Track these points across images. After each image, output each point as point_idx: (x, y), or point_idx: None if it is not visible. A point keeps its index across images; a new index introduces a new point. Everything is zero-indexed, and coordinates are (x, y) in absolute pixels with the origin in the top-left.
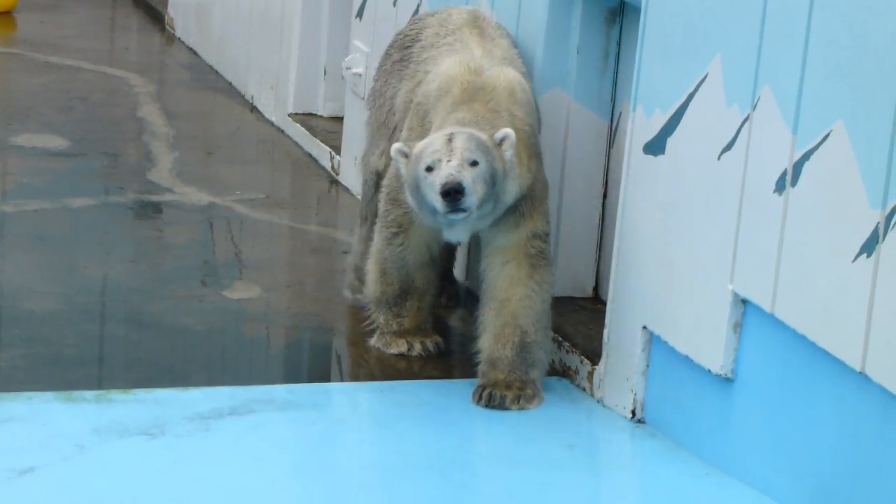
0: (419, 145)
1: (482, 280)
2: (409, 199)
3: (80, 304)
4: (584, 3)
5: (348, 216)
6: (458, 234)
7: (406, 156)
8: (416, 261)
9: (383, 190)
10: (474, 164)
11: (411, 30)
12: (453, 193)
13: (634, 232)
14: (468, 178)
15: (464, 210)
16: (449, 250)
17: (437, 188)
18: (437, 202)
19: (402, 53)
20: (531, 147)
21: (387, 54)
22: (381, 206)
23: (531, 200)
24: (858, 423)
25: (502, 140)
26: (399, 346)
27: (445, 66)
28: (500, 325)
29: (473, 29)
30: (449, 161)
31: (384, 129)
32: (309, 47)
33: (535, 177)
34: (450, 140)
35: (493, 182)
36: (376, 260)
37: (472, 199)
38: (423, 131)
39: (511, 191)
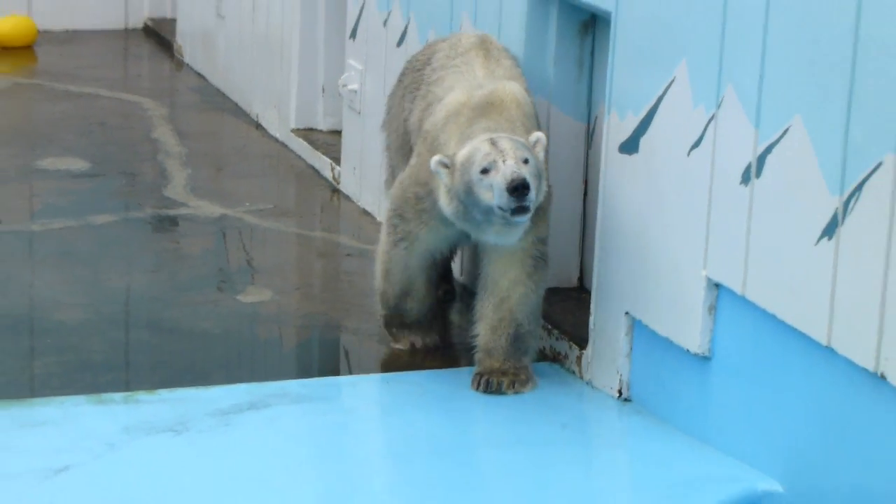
0: (462, 152)
1: (482, 274)
2: (454, 209)
3: (106, 313)
4: (558, 17)
5: (350, 222)
6: (500, 237)
7: (447, 166)
8: (418, 265)
9: (390, 206)
10: (526, 161)
11: (423, 55)
12: (521, 189)
13: (614, 225)
14: (528, 174)
15: (528, 208)
16: (451, 252)
17: (504, 185)
18: (502, 201)
19: (413, 76)
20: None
21: (399, 80)
22: (387, 219)
23: (539, 211)
24: (826, 392)
25: (535, 143)
26: (402, 342)
27: (450, 97)
28: (498, 318)
29: (479, 51)
30: (505, 161)
31: (402, 151)
32: (307, 68)
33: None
34: (494, 143)
35: (540, 180)
36: (381, 259)
37: (533, 194)
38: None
39: (543, 192)
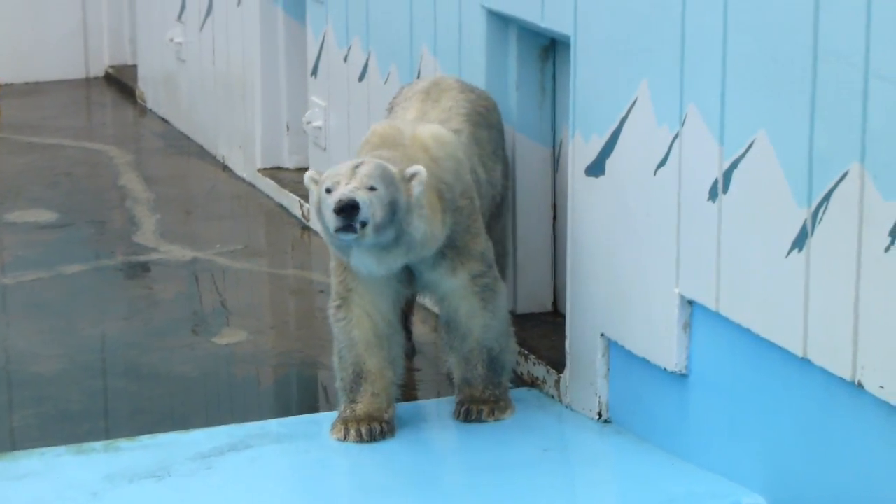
0: (327, 171)
1: (438, 306)
2: (321, 229)
3: (82, 362)
4: (518, 44)
5: (321, 258)
6: (363, 263)
7: (316, 182)
8: (362, 337)
9: (332, 267)
10: (372, 188)
11: (392, 100)
12: (348, 210)
13: (584, 248)
14: (364, 197)
15: (353, 230)
16: (403, 316)
17: (332, 206)
18: (332, 220)
19: None
20: (446, 202)
21: None
22: (332, 284)
23: (456, 250)
24: (804, 403)
25: (412, 175)
26: (336, 432)
27: (373, 126)
28: (468, 350)
29: (421, 94)
30: (348, 184)
31: None
32: (271, 107)
33: (455, 226)
34: (356, 167)
35: (394, 211)
36: (335, 344)
37: (366, 216)
38: None
39: (420, 228)
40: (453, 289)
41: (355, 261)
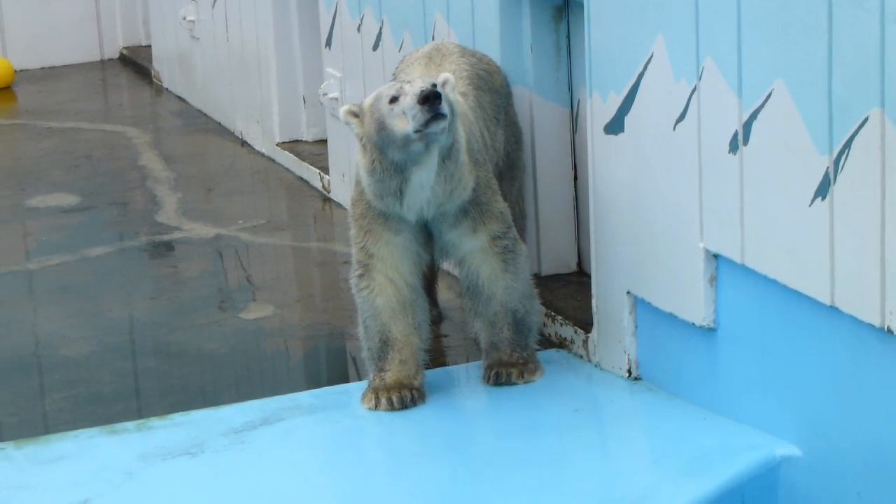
0: (370, 96)
1: (459, 271)
2: (370, 167)
3: (110, 343)
4: (531, 7)
5: (344, 229)
6: (418, 190)
7: (357, 115)
8: (386, 305)
9: (351, 235)
10: (434, 86)
11: (395, 69)
12: (432, 98)
13: (607, 207)
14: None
15: (444, 116)
16: (427, 283)
17: (416, 98)
18: (415, 117)
19: None
20: (471, 154)
21: None
22: (353, 254)
23: (479, 207)
24: (834, 351)
25: (444, 82)
26: (367, 401)
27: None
28: (492, 313)
29: (423, 59)
30: (412, 84)
31: None
32: (286, 80)
33: (478, 181)
34: (407, 82)
35: (454, 114)
36: (358, 315)
37: (444, 108)
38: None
39: (462, 137)
40: (473, 249)
41: (413, 188)
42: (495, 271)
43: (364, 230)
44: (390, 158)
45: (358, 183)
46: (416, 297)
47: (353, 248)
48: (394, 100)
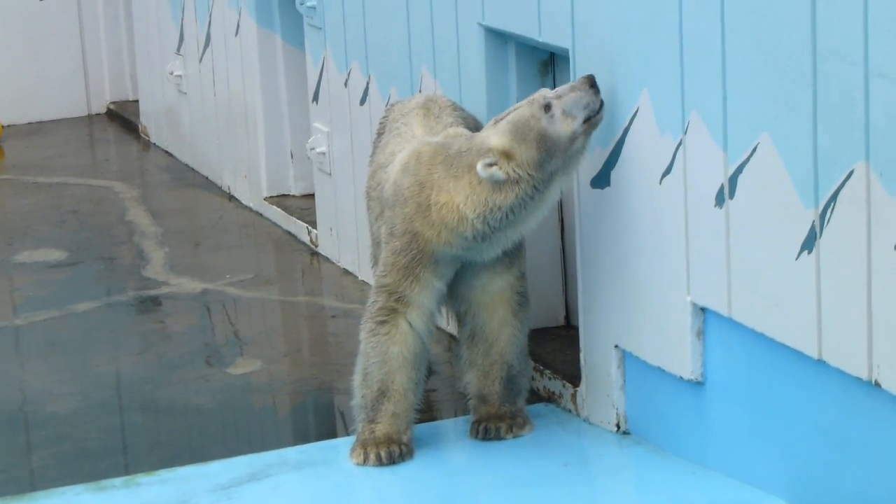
0: (497, 134)
1: (466, 322)
2: (521, 187)
3: (97, 399)
4: (517, 60)
5: (332, 283)
6: (546, 206)
7: (493, 163)
8: (399, 354)
9: (375, 279)
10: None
11: (382, 119)
12: (593, 80)
13: (594, 261)
14: None
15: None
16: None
17: (584, 84)
18: (587, 102)
19: (374, 145)
20: None
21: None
22: (371, 297)
23: (515, 246)
24: (822, 404)
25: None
26: (356, 456)
27: (399, 156)
28: (489, 363)
29: (420, 110)
30: (554, 91)
31: (382, 219)
32: (274, 134)
33: None
34: (541, 96)
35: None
36: (360, 362)
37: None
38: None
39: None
40: (501, 288)
41: (549, 201)
42: (507, 316)
43: (410, 277)
44: (549, 170)
45: (406, 232)
46: (426, 351)
47: (378, 294)
48: (547, 108)
